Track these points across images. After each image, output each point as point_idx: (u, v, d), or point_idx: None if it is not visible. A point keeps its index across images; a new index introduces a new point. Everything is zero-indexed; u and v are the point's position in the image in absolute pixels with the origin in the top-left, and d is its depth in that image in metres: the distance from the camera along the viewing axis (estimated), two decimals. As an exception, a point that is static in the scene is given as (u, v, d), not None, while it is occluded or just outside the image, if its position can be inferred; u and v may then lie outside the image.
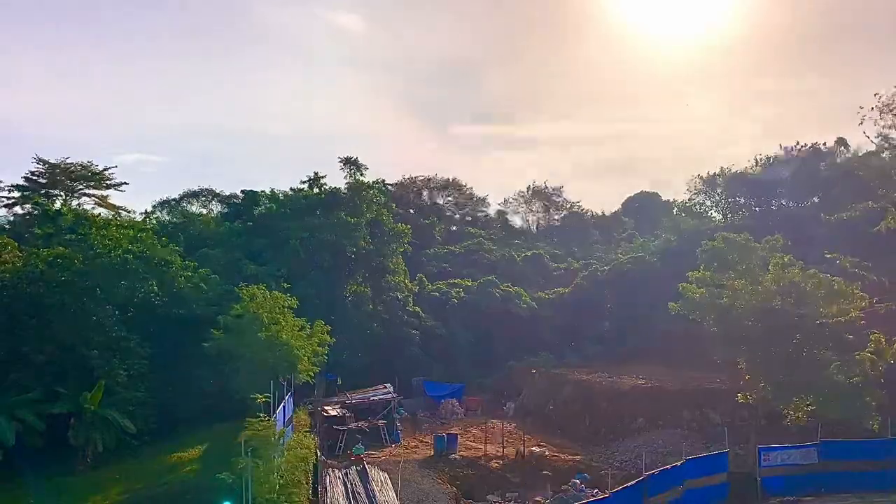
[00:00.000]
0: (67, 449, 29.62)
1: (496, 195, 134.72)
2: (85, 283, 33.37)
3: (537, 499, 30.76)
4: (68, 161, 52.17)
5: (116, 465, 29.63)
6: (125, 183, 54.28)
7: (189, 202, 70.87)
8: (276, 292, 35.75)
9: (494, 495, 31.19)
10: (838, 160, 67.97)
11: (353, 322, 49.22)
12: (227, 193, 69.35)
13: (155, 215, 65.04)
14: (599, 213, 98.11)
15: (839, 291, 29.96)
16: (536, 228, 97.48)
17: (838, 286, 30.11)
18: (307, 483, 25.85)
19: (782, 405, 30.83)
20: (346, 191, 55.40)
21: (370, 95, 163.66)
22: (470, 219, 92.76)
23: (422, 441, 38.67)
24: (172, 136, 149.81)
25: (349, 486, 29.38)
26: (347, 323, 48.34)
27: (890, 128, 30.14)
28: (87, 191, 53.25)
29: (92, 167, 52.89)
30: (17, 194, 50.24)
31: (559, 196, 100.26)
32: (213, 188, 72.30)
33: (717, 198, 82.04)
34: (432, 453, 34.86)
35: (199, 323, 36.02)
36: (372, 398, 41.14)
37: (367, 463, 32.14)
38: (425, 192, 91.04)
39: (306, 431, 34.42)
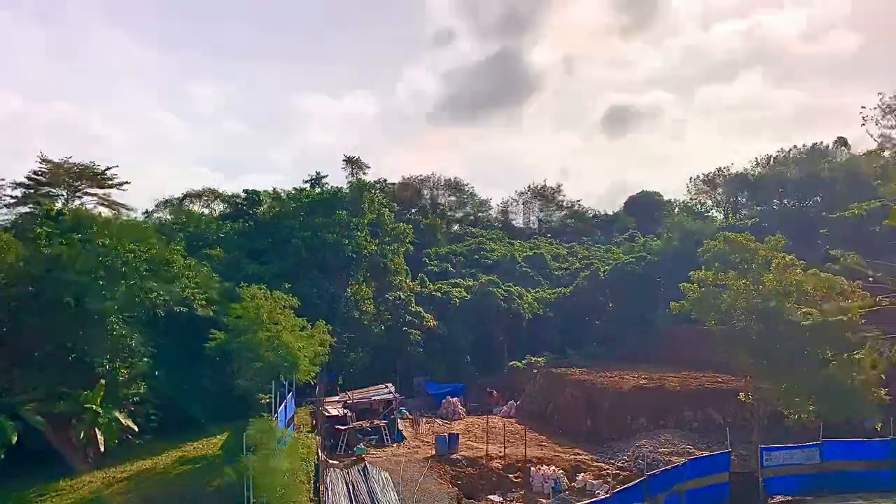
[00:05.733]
0: (69, 449, 29.64)
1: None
2: (86, 282, 33.34)
3: (540, 499, 30.78)
4: (71, 160, 52.21)
5: (118, 464, 29.66)
6: (127, 182, 54.26)
7: (190, 202, 70.91)
8: (278, 292, 35.75)
9: (496, 495, 31.16)
10: (839, 159, 68.00)
11: (354, 322, 49.25)
12: (229, 193, 69.44)
13: (156, 215, 65.12)
14: (601, 213, 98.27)
15: (841, 291, 29.89)
16: (538, 228, 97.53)
17: (840, 285, 30.04)
18: (308, 483, 25.88)
19: (784, 405, 30.77)
20: (347, 190, 55.45)
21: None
22: (472, 218, 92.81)
23: (423, 441, 38.65)
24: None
25: (350, 485, 29.38)
26: (349, 323, 48.40)
27: (892, 128, 29.97)
28: (88, 190, 53.20)
29: (94, 167, 52.90)
30: (19, 193, 50.24)
31: (560, 195, 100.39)
32: (215, 188, 72.42)
33: (719, 198, 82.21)
34: (434, 453, 34.85)
35: (200, 323, 36.04)
36: (373, 398, 41.15)
37: (369, 462, 32.14)
38: (427, 192, 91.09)
39: (308, 431, 34.48)
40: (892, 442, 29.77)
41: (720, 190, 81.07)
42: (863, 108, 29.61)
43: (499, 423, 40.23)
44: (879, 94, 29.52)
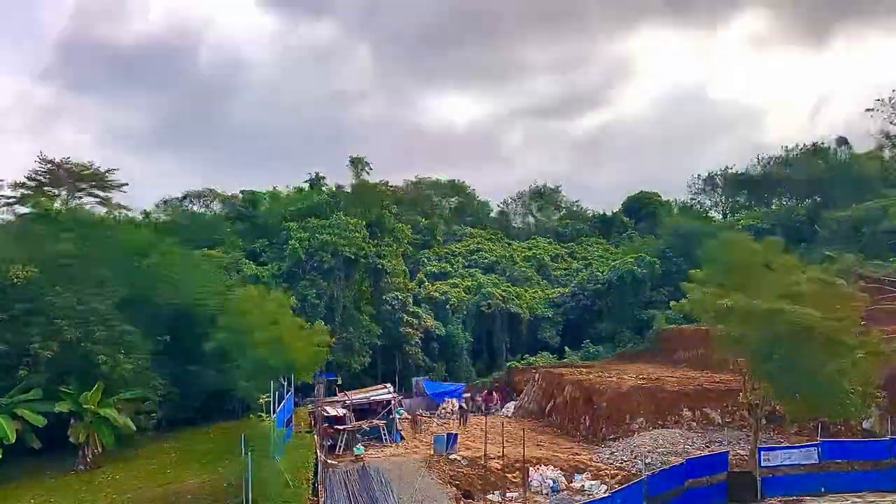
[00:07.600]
0: (67, 448, 29.67)
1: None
2: (87, 282, 33.35)
3: (539, 499, 30.77)
4: (70, 161, 52.34)
5: (116, 464, 29.69)
6: (126, 183, 54.44)
7: (190, 202, 71.00)
8: (277, 292, 35.79)
9: (495, 495, 31.17)
10: (839, 159, 68.05)
11: (352, 322, 49.29)
12: (229, 193, 69.50)
13: (155, 215, 65.13)
14: (600, 213, 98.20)
15: (839, 292, 29.88)
16: (537, 228, 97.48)
17: (839, 286, 30.03)
18: (307, 483, 25.85)
19: (783, 406, 30.80)
20: (347, 191, 55.59)
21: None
22: (471, 219, 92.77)
23: (422, 441, 38.66)
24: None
25: (349, 485, 29.38)
26: (347, 323, 48.44)
27: (893, 124, 29.93)
28: (88, 190, 53.32)
29: (94, 167, 53.04)
30: (18, 193, 50.26)
31: (559, 195, 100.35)
32: (215, 188, 72.51)
33: (718, 198, 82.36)
34: (432, 453, 34.86)
35: (199, 323, 36.06)
36: (372, 398, 41.10)
37: (367, 463, 32.16)
38: (427, 193, 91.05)
39: (306, 431, 34.48)
40: (889, 442, 29.80)
41: (719, 190, 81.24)
42: (877, 100, 29.42)
43: (498, 423, 40.23)
44: (879, 99, 29.44)
